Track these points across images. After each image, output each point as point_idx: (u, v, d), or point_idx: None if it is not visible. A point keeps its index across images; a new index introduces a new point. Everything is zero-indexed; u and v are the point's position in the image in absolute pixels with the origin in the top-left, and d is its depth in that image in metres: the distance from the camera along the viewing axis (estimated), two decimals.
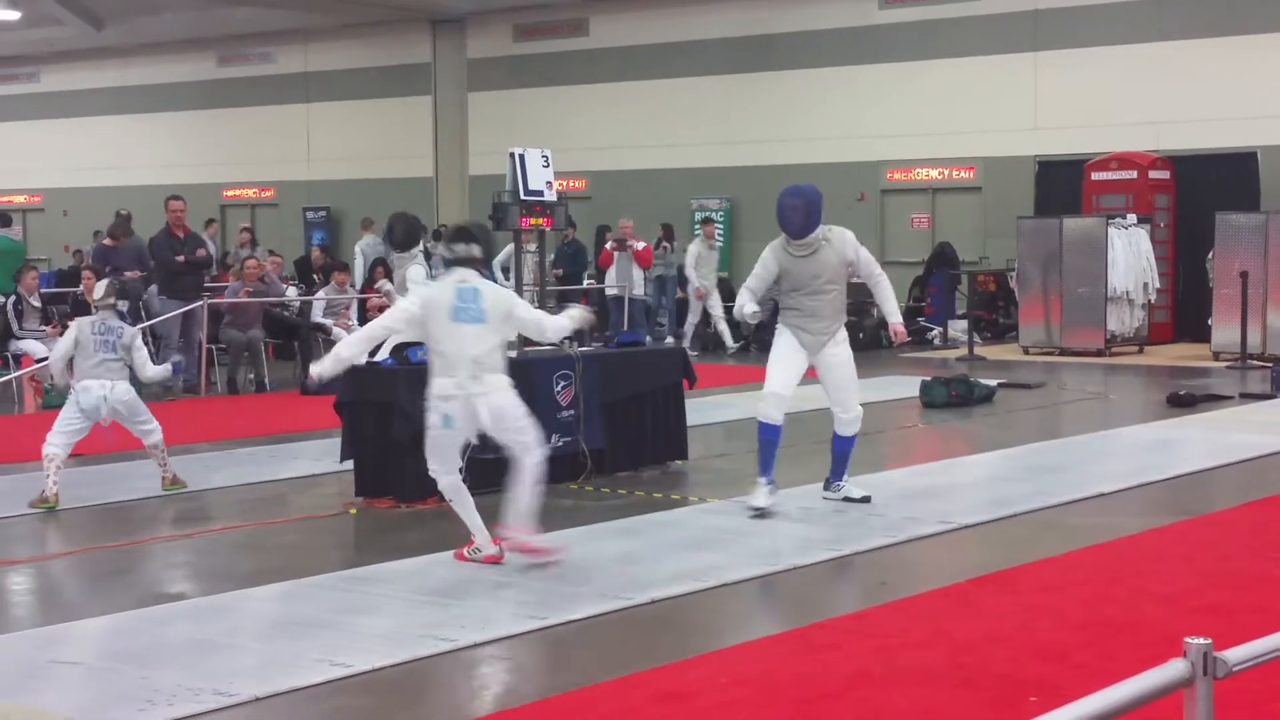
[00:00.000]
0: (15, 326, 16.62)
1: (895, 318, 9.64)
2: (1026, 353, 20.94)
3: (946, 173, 25.11)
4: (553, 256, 20.69)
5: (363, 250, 24.63)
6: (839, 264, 9.33)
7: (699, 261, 21.94)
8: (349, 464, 10.12)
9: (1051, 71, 23.74)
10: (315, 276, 23.11)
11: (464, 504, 8.01)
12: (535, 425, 7.96)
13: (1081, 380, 17.54)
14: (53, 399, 15.48)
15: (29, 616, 7.37)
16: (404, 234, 11.37)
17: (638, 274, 21.89)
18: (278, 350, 18.62)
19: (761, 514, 9.13)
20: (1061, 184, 22.89)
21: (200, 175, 31.66)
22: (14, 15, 30.78)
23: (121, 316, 10.18)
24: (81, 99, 34.56)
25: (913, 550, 8.50)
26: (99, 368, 9.97)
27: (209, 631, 6.63)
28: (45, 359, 16.17)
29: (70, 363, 10.29)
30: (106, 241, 19.46)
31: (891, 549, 8.46)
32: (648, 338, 17.43)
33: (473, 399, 7.70)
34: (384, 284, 12.24)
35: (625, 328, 20.10)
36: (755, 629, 6.92)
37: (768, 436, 9.31)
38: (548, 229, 10.89)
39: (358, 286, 21.50)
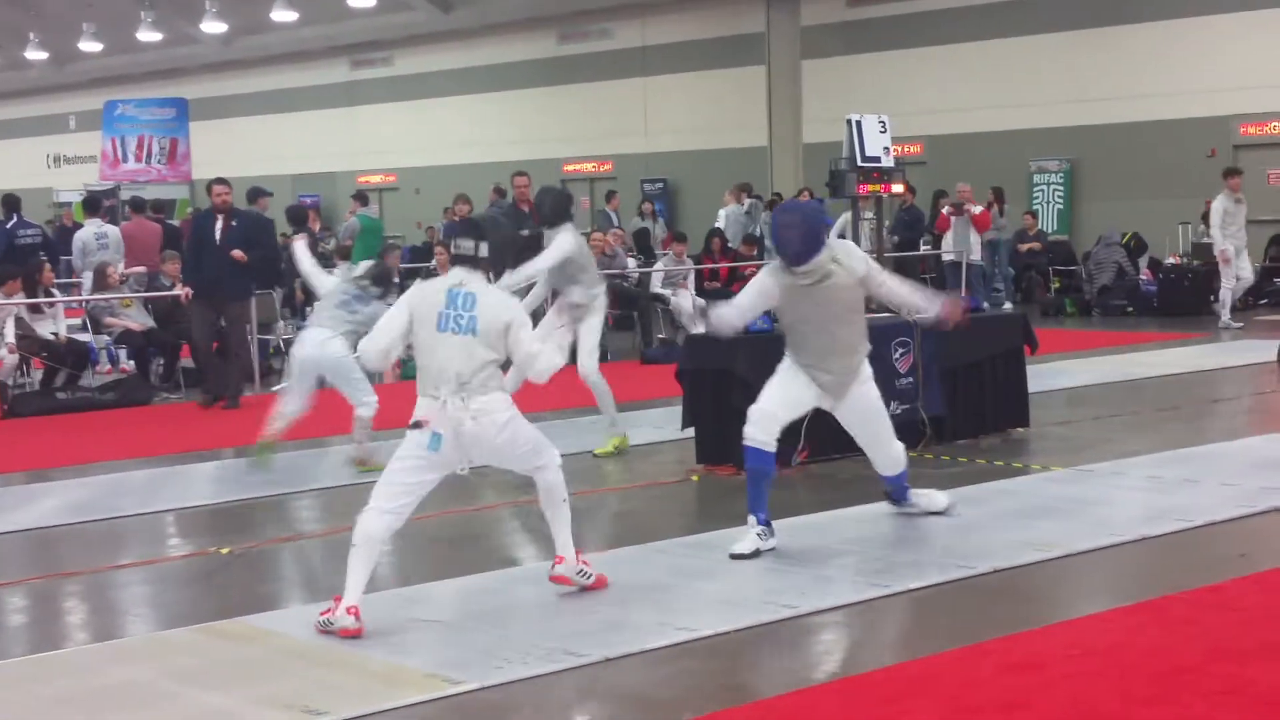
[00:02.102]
0: None
1: (931, 302, 8.10)
2: None
3: None
4: (890, 223, 20.48)
5: (725, 217, 24.67)
6: (854, 286, 7.68)
7: (1225, 219, 19.01)
8: (690, 431, 10.27)
9: None
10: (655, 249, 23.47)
11: (364, 560, 6.48)
12: (544, 442, 6.86)
13: None
14: (410, 369, 16.21)
15: (390, 576, 7.77)
16: (552, 209, 10.84)
17: (975, 239, 21.49)
18: (618, 321, 19.01)
19: (745, 558, 7.52)
20: None
21: (541, 151, 32.46)
22: (371, 2, 32.27)
23: (380, 297, 10.29)
24: (430, 81, 35.85)
25: (1271, 522, 8.13)
26: (330, 319, 10.19)
27: (556, 594, 6.84)
28: None
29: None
30: (456, 218, 20.25)
31: (1247, 520, 8.12)
32: (985, 304, 17.07)
33: (460, 426, 6.49)
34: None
35: (963, 293, 19.76)
36: (1104, 600, 6.74)
37: (756, 465, 7.69)
38: (885, 195, 10.80)
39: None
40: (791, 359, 7.83)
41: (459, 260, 6.66)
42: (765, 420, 7.71)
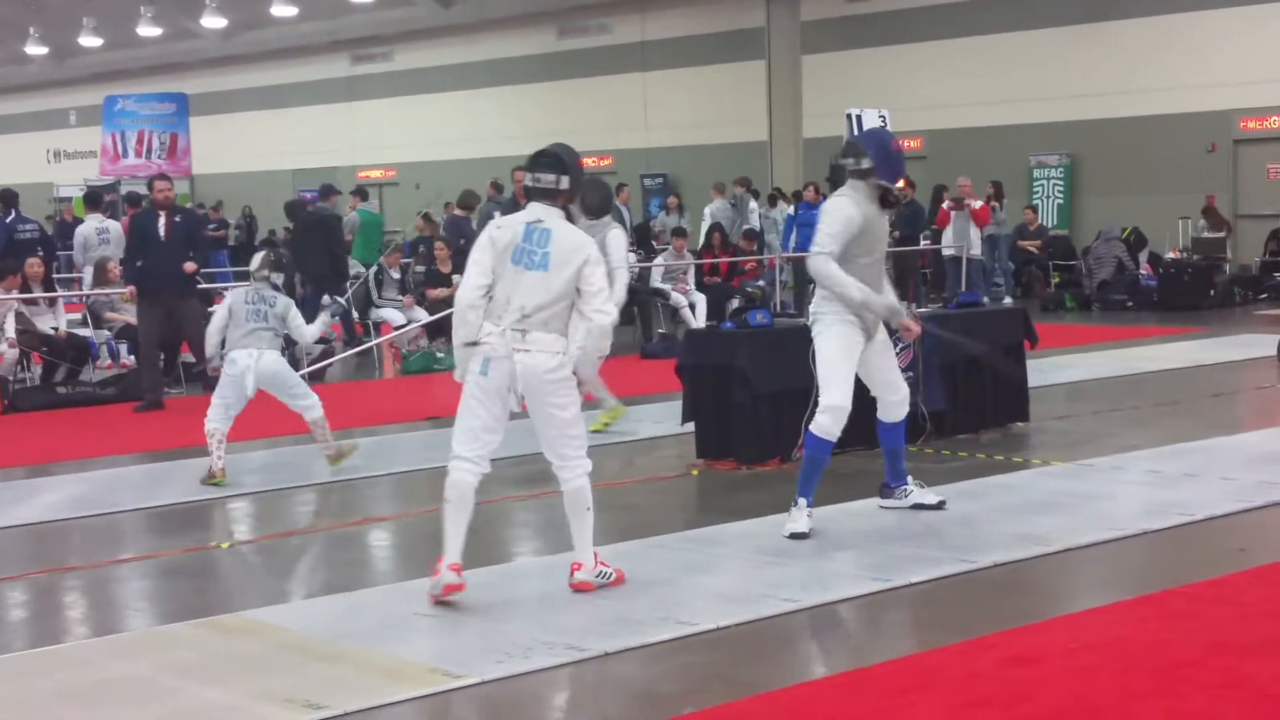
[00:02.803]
0: (375, 295, 17.63)
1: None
2: None
3: None
4: (891, 217, 20.45)
5: (711, 214, 24.74)
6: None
7: None
8: (690, 426, 10.27)
9: None
10: (654, 243, 23.47)
11: (458, 514, 6.63)
12: (583, 437, 6.76)
13: None
14: (410, 365, 16.23)
15: (390, 570, 7.77)
16: (601, 201, 10.82)
17: (975, 233, 21.49)
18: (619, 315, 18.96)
19: (803, 537, 7.77)
20: None
21: (540, 145, 32.37)
22: None
23: (276, 288, 10.05)
24: (430, 76, 35.87)
25: (1271, 516, 8.13)
26: (249, 337, 9.86)
27: (558, 587, 6.84)
28: (403, 326, 17.00)
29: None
30: (457, 212, 20.26)
31: (1247, 514, 8.12)
32: (985, 298, 17.06)
33: (512, 357, 6.52)
34: None
35: (963, 288, 19.76)
36: (1105, 594, 6.73)
37: (823, 454, 7.89)
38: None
39: (697, 251, 21.76)
40: (838, 308, 7.75)
41: (538, 194, 6.63)
42: (843, 416, 7.79)
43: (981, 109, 26.57)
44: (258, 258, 10.40)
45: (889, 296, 8.03)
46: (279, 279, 10.15)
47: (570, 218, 6.77)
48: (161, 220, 13.90)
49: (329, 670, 5.78)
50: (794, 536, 7.72)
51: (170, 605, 7.13)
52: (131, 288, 14.20)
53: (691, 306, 18.10)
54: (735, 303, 17.10)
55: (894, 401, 8.20)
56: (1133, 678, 5.42)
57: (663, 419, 11.57)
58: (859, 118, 10.28)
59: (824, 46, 28.84)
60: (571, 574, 6.80)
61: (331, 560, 8.04)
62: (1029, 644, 5.87)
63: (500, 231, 6.62)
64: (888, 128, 10.42)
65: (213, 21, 35.58)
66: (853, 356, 7.84)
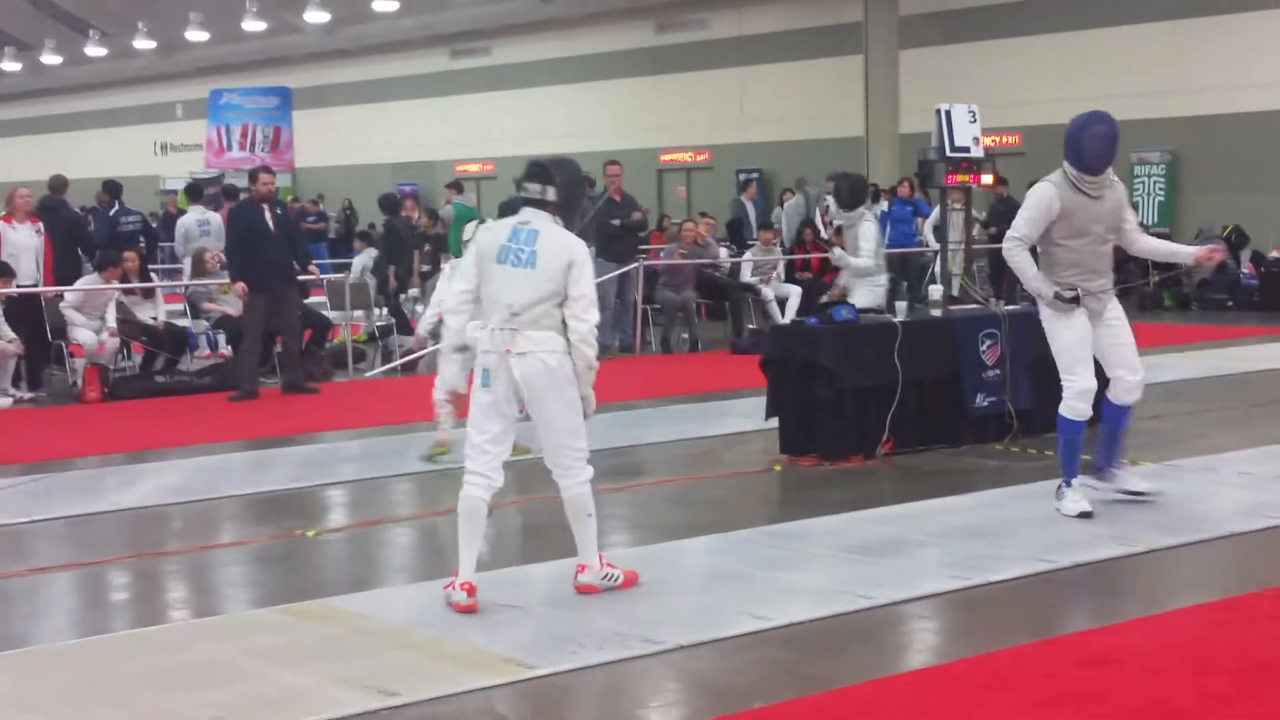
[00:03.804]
0: None
1: (1187, 249, 8.63)
2: None
3: None
4: (985, 214, 20.31)
5: (786, 213, 24.74)
6: (1119, 210, 8.16)
7: None
8: (774, 422, 10.27)
9: None
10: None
11: (470, 532, 6.53)
12: (582, 449, 6.61)
13: None
14: None
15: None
16: (850, 193, 11.41)
17: None
18: (710, 310, 19.00)
19: (1089, 516, 7.95)
20: None
21: (639, 140, 32.53)
22: None
23: None
24: (529, 70, 36.04)
25: None
26: None
27: (640, 582, 6.85)
28: None
29: None
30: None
31: None
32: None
33: (508, 359, 6.42)
34: (836, 251, 12.11)
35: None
36: (1188, 596, 6.66)
37: (1077, 435, 8.13)
38: (974, 185, 10.72)
39: (787, 246, 21.71)
40: (1051, 297, 8.01)
41: (528, 202, 6.57)
42: (1089, 395, 8.12)
43: (1080, 104, 25.92)
44: (469, 228, 10.71)
45: (1096, 279, 8.10)
46: None
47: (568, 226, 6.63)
48: (267, 213, 14.11)
49: (406, 658, 5.87)
50: (1083, 516, 7.91)
51: (259, 590, 7.27)
52: (241, 284, 14.17)
53: (781, 302, 18.05)
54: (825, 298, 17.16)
55: (1131, 382, 8.29)
56: (1211, 680, 5.36)
57: (749, 414, 11.55)
58: (949, 113, 10.20)
59: (922, 41, 28.61)
60: (576, 575, 6.72)
61: (415, 549, 8.14)
62: (1107, 644, 5.83)
63: (486, 234, 6.61)
64: (976, 123, 10.34)
65: (316, 16, 35.99)
66: (1086, 338, 8.07)
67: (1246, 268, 21.78)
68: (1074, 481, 8.09)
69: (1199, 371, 14.07)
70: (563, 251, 6.43)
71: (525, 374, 6.41)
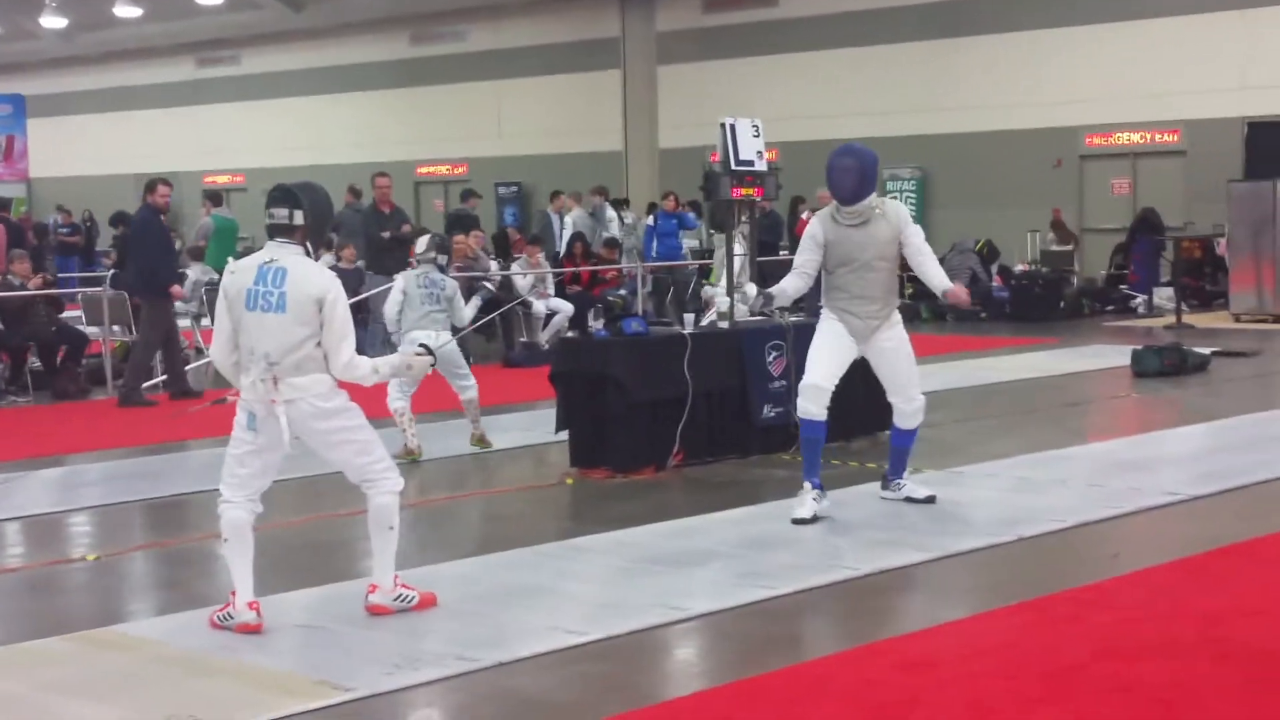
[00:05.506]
0: None
1: (947, 282, 8.47)
2: (1238, 320, 20.26)
3: (1148, 137, 24.39)
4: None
5: (573, 223, 24.56)
6: (891, 238, 8.26)
7: None
8: (563, 435, 10.19)
9: (1262, 28, 22.91)
10: (514, 254, 23.28)
11: (240, 551, 6.28)
12: (385, 457, 6.42)
13: None
14: None
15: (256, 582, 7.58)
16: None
17: None
18: (480, 325, 18.74)
19: (806, 523, 8.08)
20: (1273, 146, 22.07)
21: (394, 153, 32.12)
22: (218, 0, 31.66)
23: (442, 270, 10.55)
24: (280, 80, 35.32)
25: (1140, 522, 8.29)
26: (425, 319, 10.33)
27: (449, 598, 6.68)
28: None
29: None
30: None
31: (1117, 521, 8.27)
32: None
33: (274, 411, 6.12)
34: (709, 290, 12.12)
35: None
36: (989, 600, 6.79)
37: (810, 435, 8.31)
38: (759, 199, 10.80)
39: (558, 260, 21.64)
40: (828, 305, 8.39)
41: (274, 231, 6.23)
42: (816, 394, 8.27)
43: (836, 121, 26.80)
44: (423, 240, 10.87)
45: (865, 305, 8.33)
46: (444, 260, 10.65)
47: (310, 254, 6.33)
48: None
49: (210, 685, 5.61)
50: (797, 522, 8.04)
51: (41, 620, 6.85)
52: (176, 288, 14.79)
53: (550, 316, 17.98)
54: (593, 312, 17.15)
55: (905, 411, 8.54)
56: (1023, 682, 5.47)
57: (531, 427, 11.48)
58: (733, 126, 10.27)
59: (680, 57, 28.93)
60: (367, 595, 6.50)
61: (201, 571, 7.83)
62: (920, 649, 5.90)
63: (232, 277, 6.25)
64: (760, 137, 10.44)
65: (52, 22, 34.65)
66: (831, 345, 8.31)
67: (996, 280, 22.54)
68: (806, 484, 8.25)
69: (961, 381, 14.45)
70: (312, 290, 6.10)
71: (295, 419, 6.14)
